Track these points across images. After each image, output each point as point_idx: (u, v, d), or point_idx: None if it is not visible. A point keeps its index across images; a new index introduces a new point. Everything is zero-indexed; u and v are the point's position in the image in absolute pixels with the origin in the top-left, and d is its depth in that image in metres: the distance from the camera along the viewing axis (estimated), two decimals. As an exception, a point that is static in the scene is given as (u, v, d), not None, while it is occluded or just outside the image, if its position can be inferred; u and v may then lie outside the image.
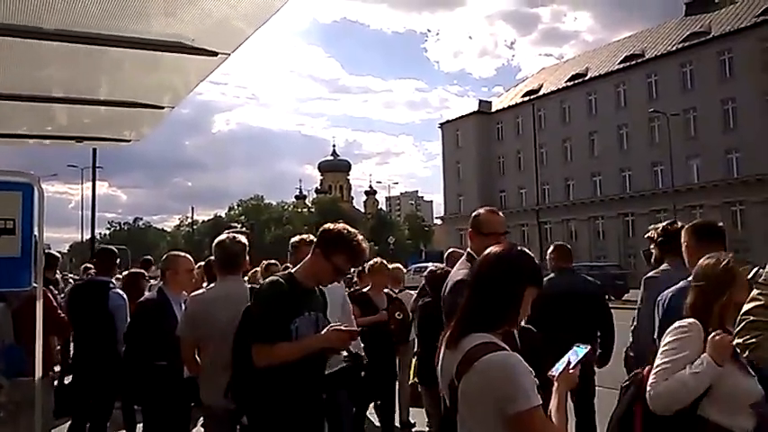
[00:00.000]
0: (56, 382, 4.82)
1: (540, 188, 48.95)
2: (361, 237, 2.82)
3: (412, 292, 6.25)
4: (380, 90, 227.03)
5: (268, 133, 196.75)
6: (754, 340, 2.14)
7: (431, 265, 4.99)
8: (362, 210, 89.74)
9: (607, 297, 7.78)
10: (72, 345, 5.37)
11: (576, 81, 46.94)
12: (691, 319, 2.31)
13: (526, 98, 50.67)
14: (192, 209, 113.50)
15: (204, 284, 4.36)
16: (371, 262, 5.66)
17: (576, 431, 4.63)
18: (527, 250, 1.94)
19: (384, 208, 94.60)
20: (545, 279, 4.84)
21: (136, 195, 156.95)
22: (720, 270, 2.34)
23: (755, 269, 2.73)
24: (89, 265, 8.56)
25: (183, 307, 3.70)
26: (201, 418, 3.80)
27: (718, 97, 37.43)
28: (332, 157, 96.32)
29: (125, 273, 6.34)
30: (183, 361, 3.42)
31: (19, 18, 2.16)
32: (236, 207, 77.45)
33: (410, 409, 5.96)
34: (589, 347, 2.05)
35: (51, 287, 5.10)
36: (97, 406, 4.81)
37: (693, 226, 3.06)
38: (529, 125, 49.62)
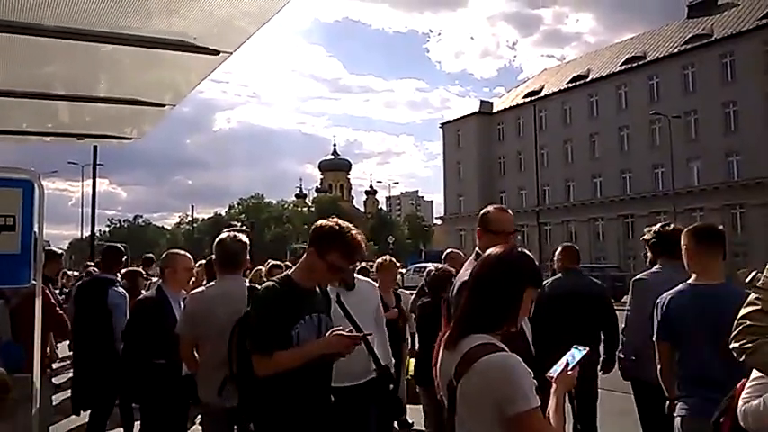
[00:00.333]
0: (68, 378, 4.86)
1: (540, 189, 48.95)
2: (355, 230, 2.66)
3: (408, 291, 6.26)
4: (382, 90, 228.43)
5: (269, 132, 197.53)
6: (750, 345, 2.10)
7: (430, 265, 4.98)
8: (363, 209, 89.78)
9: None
10: (70, 342, 5.38)
11: (578, 82, 46.92)
12: None
13: (527, 99, 50.67)
14: (193, 207, 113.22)
15: (205, 282, 4.36)
16: (380, 260, 5.66)
17: (575, 432, 4.63)
18: (527, 251, 1.95)
19: (384, 208, 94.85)
20: (552, 279, 4.91)
21: (136, 193, 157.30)
22: None
23: (754, 273, 2.72)
24: (90, 263, 8.57)
25: (182, 305, 3.71)
26: (199, 416, 3.81)
27: (720, 100, 37.40)
28: (332, 157, 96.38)
29: (123, 271, 6.34)
30: (182, 358, 3.42)
31: (20, 14, 2.16)
32: (236, 205, 77.66)
33: (408, 406, 5.97)
34: (587, 349, 2.05)
35: (50, 284, 5.10)
36: (97, 403, 4.82)
37: (693, 229, 3.03)
38: (530, 126, 49.61)
